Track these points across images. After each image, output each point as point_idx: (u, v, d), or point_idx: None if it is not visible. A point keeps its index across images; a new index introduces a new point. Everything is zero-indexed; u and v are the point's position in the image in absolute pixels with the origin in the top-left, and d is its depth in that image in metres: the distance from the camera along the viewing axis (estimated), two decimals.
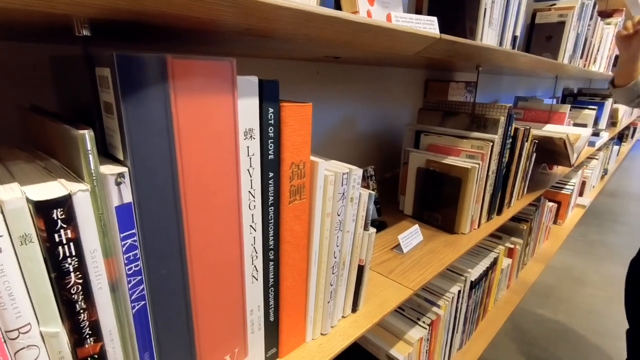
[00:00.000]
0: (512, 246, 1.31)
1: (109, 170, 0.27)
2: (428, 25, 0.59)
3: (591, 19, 1.38)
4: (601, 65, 1.78)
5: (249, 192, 0.37)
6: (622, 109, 2.90)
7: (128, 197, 0.28)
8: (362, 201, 0.50)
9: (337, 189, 0.45)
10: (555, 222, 1.97)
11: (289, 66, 0.83)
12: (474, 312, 1.09)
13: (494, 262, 1.12)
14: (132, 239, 0.29)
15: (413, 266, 0.70)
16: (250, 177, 0.36)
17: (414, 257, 0.74)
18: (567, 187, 1.94)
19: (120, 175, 0.27)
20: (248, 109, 0.34)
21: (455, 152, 0.86)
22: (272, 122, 0.37)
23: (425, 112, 0.97)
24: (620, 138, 3.77)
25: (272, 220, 0.40)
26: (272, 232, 0.40)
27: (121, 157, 0.28)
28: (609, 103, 2.37)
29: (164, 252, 0.31)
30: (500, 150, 0.87)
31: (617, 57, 2.24)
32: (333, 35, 0.40)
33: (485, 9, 0.74)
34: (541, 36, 1.25)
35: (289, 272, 0.44)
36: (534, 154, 1.10)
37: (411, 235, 0.78)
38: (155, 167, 0.29)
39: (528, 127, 0.97)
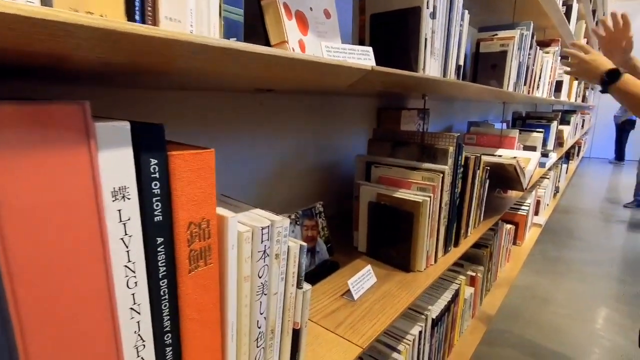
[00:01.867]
0: (474, 274, 1.28)
1: None
2: (363, 56, 0.55)
3: (531, 48, 1.44)
4: (544, 91, 1.87)
5: (126, 266, 0.28)
6: (567, 130, 3.08)
7: None
8: (292, 255, 0.42)
9: (256, 247, 0.38)
10: (514, 243, 1.99)
11: (231, 98, 0.77)
12: (439, 350, 1.03)
13: (456, 294, 1.08)
14: None
15: (364, 315, 0.63)
16: (127, 247, 0.28)
17: (366, 303, 0.67)
18: (522, 207, 1.98)
19: None
20: (117, 162, 0.27)
21: (407, 184, 0.81)
22: (156, 175, 0.29)
23: (376, 142, 0.93)
24: (568, 157, 4.00)
25: (166, 296, 0.32)
26: (167, 310, 0.32)
27: None
28: (554, 125, 2.50)
29: None
30: (452, 181, 0.84)
31: (558, 83, 2.38)
32: (239, 70, 0.34)
33: (425, 39, 0.73)
34: (486, 65, 1.29)
35: (197, 355, 0.35)
36: (487, 181, 1.09)
37: (363, 279, 0.71)
38: None
39: (479, 155, 0.96)
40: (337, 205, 1.18)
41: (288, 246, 0.42)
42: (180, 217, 0.31)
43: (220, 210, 0.36)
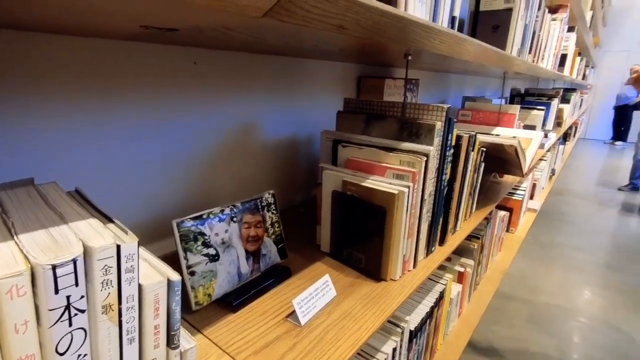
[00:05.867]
0: (463, 269, 1.13)
1: None
2: None
3: (539, 9, 1.24)
4: (549, 62, 1.67)
5: None
6: (567, 109, 2.90)
7: None
8: (149, 299, 0.25)
9: (45, 301, 0.20)
10: (507, 230, 1.85)
11: (150, 51, 0.57)
12: None
13: (441, 297, 0.92)
14: None
15: (311, 350, 0.46)
16: None
17: (316, 330, 0.50)
18: (518, 192, 1.83)
19: None
20: None
21: (380, 169, 0.63)
22: None
23: (347, 115, 0.74)
24: (565, 137, 3.84)
25: None
26: None
27: None
28: (555, 103, 2.32)
29: None
30: (439, 165, 0.66)
31: (562, 57, 2.18)
32: None
33: None
34: (487, 26, 1.08)
35: None
36: (483, 164, 0.91)
37: (316, 295, 0.54)
38: None
39: (474, 134, 0.77)
40: (304, 192, 1.00)
41: (139, 286, 0.24)
42: None
43: None
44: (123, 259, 0.23)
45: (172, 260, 0.64)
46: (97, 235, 0.23)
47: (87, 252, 0.21)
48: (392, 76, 1.19)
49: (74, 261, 0.20)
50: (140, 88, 0.59)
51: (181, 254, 0.49)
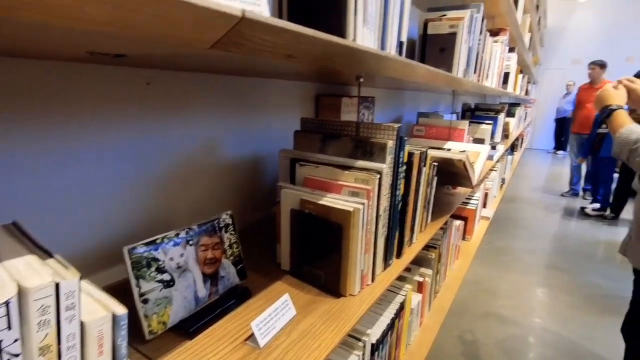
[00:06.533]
0: (422, 279, 1.17)
1: None
2: (246, 4, 0.37)
3: (481, 33, 1.34)
4: (493, 81, 1.81)
5: None
6: (513, 122, 3.12)
7: None
8: (92, 336, 0.24)
9: None
10: (463, 239, 1.94)
11: (103, 74, 0.55)
12: None
13: (401, 308, 0.95)
14: None
15: None
16: None
17: (276, 351, 0.50)
18: (472, 201, 1.93)
19: None
20: None
21: (336, 187, 0.65)
22: None
23: (303, 135, 0.76)
24: (513, 148, 4.12)
25: None
26: None
27: None
28: (502, 117, 2.49)
29: None
30: (393, 182, 0.69)
31: (505, 75, 2.36)
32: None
33: (356, 0, 0.56)
34: (435, 48, 1.16)
35: None
36: (435, 178, 0.96)
37: (275, 315, 0.54)
38: None
39: (424, 150, 0.82)
40: (266, 209, 1.00)
41: (81, 323, 0.23)
42: None
43: None
44: (62, 297, 0.22)
45: (124, 288, 0.61)
46: (34, 273, 0.22)
47: (22, 293, 0.20)
48: (349, 94, 1.24)
49: (7, 303, 0.20)
50: (88, 110, 0.57)
51: (133, 281, 0.48)
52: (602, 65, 3.44)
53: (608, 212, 3.21)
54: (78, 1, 0.19)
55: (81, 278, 0.29)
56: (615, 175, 3.12)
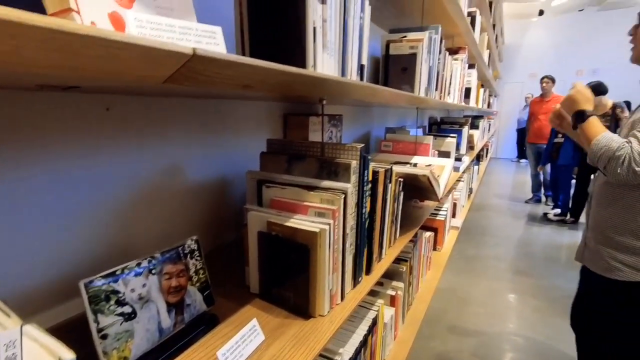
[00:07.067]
0: (394, 292, 1.19)
1: None
2: (205, 38, 0.37)
3: (440, 52, 1.41)
4: (455, 96, 1.89)
5: None
6: (477, 134, 3.27)
7: None
8: None
9: None
10: (434, 249, 1.99)
11: (63, 101, 0.54)
12: None
13: (374, 323, 0.95)
14: None
15: None
16: None
17: None
18: (441, 212, 1.99)
19: None
20: None
21: (303, 209, 0.66)
22: None
23: (269, 156, 0.76)
24: (478, 158, 4.30)
25: None
26: None
27: None
28: (466, 130, 2.61)
29: None
30: (358, 200, 0.71)
31: (467, 90, 2.48)
32: None
33: (314, 28, 0.58)
34: (397, 68, 1.21)
35: None
36: (402, 193, 0.99)
37: (243, 342, 0.53)
38: None
39: (389, 167, 0.84)
40: (235, 230, 0.99)
41: None
42: None
43: None
44: (2, 348, 0.21)
45: (84, 321, 0.58)
46: None
47: None
48: (317, 113, 1.26)
49: None
50: (39, 137, 0.55)
51: (90, 317, 0.46)
52: (553, 79, 3.72)
53: (568, 217, 3.39)
54: (14, 47, 0.19)
55: (30, 320, 0.28)
56: (573, 182, 3.31)
